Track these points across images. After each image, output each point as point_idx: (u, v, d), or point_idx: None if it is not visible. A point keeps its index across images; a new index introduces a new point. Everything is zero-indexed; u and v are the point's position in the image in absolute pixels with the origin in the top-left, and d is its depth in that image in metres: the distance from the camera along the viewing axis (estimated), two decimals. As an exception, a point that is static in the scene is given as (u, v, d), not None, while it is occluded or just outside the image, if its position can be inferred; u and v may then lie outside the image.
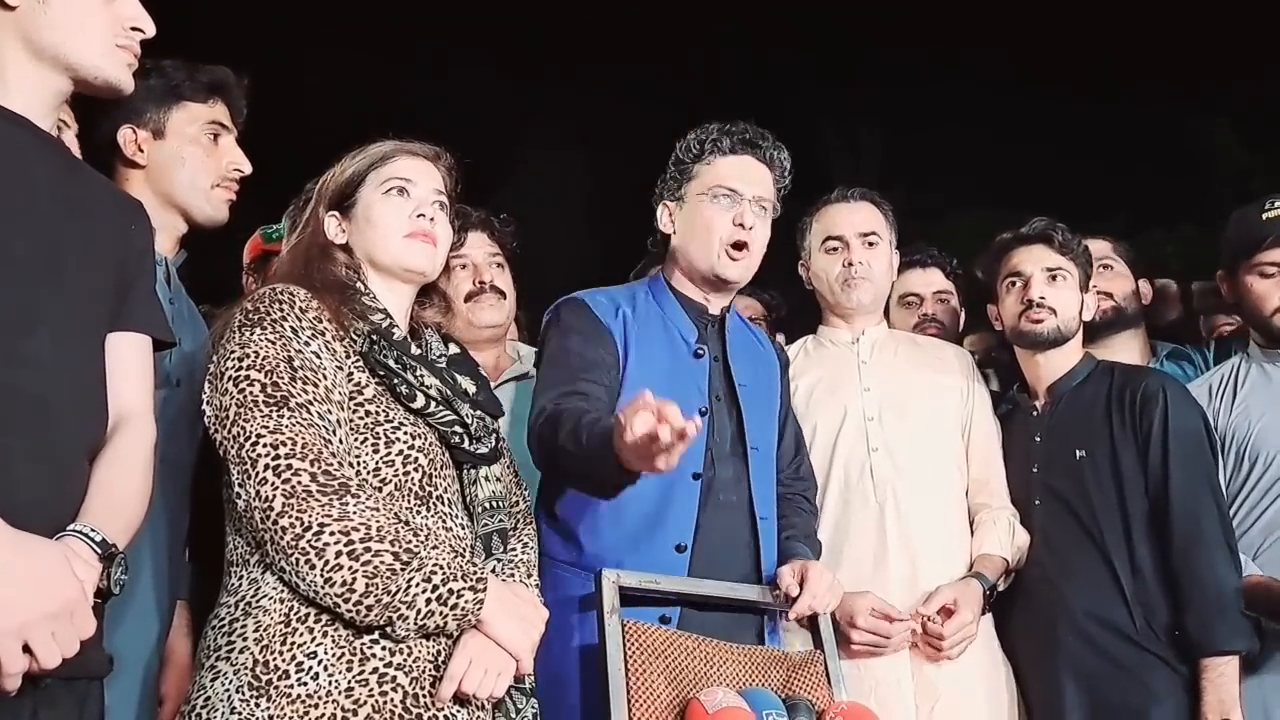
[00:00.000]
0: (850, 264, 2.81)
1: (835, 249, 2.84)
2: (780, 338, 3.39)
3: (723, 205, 2.43)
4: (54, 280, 1.67)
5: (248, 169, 2.42)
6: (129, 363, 1.82)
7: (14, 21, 1.72)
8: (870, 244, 2.84)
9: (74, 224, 1.73)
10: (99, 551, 1.59)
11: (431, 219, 2.09)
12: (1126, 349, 3.18)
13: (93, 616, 1.54)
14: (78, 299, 1.72)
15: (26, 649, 1.45)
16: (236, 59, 2.49)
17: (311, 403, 1.82)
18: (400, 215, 2.07)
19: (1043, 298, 2.77)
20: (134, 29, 1.81)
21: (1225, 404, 2.84)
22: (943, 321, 3.42)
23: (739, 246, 2.42)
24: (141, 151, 2.32)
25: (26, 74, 1.73)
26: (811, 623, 2.40)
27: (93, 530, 1.60)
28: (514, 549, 2.08)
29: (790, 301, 3.73)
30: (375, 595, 1.73)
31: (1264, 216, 2.86)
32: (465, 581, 1.80)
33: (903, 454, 2.70)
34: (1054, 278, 2.80)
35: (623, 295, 2.51)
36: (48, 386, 1.63)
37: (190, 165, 2.34)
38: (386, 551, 1.74)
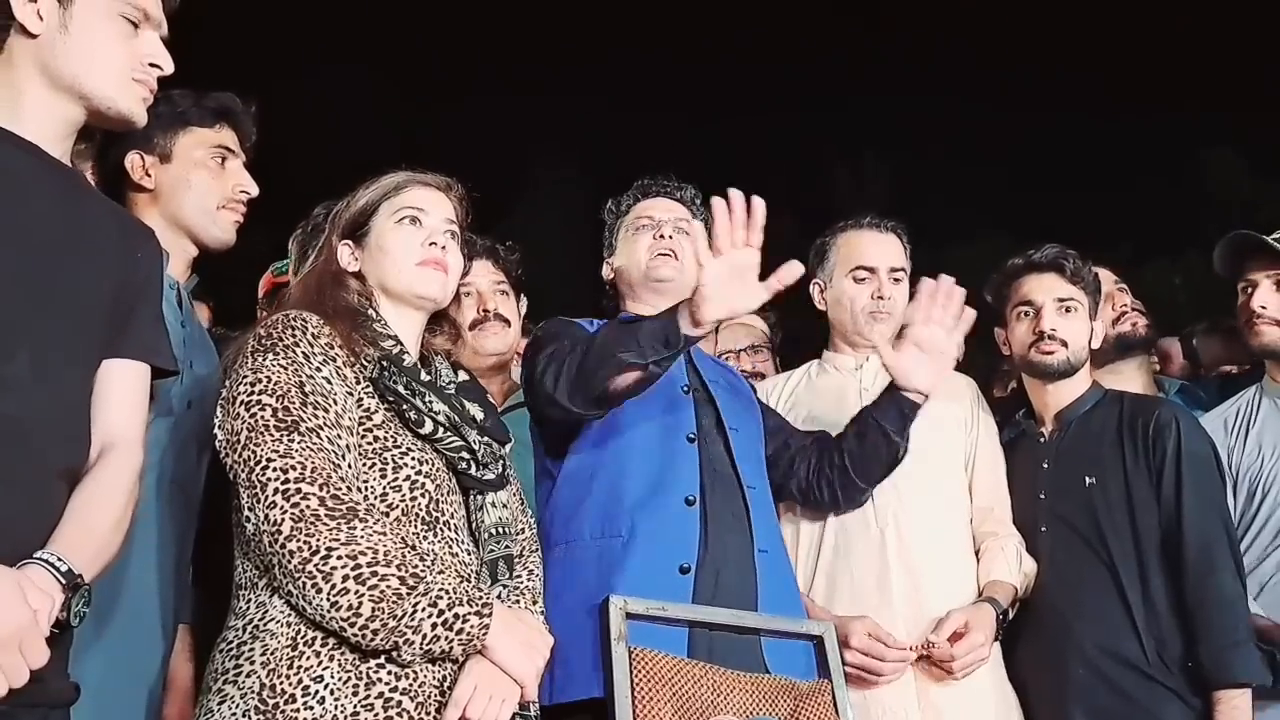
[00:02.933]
0: (880, 297, 2.82)
1: (864, 279, 2.84)
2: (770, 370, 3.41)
3: (645, 230, 2.67)
4: (39, 305, 1.68)
5: (254, 191, 2.45)
6: (120, 389, 1.81)
7: (34, 50, 1.75)
8: (896, 280, 2.86)
9: (68, 250, 1.74)
10: (62, 581, 1.55)
11: (443, 247, 2.12)
12: (1134, 378, 3.18)
13: (45, 646, 1.49)
14: (64, 324, 1.72)
15: None
16: (247, 87, 2.53)
17: (322, 428, 1.84)
18: (412, 244, 2.10)
19: (1054, 329, 2.75)
20: (152, 65, 1.83)
21: (1239, 439, 2.84)
22: None
23: (666, 253, 2.62)
24: (149, 176, 2.35)
25: (41, 102, 1.76)
26: (818, 651, 2.39)
27: (59, 559, 1.56)
28: (520, 576, 2.09)
29: (787, 329, 3.73)
30: (381, 620, 1.74)
31: None
32: (471, 606, 1.81)
33: (904, 481, 2.68)
34: (1066, 309, 2.78)
35: (598, 322, 2.62)
36: (24, 410, 1.62)
37: (197, 188, 2.37)
38: (393, 576, 1.75)
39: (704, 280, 2.11)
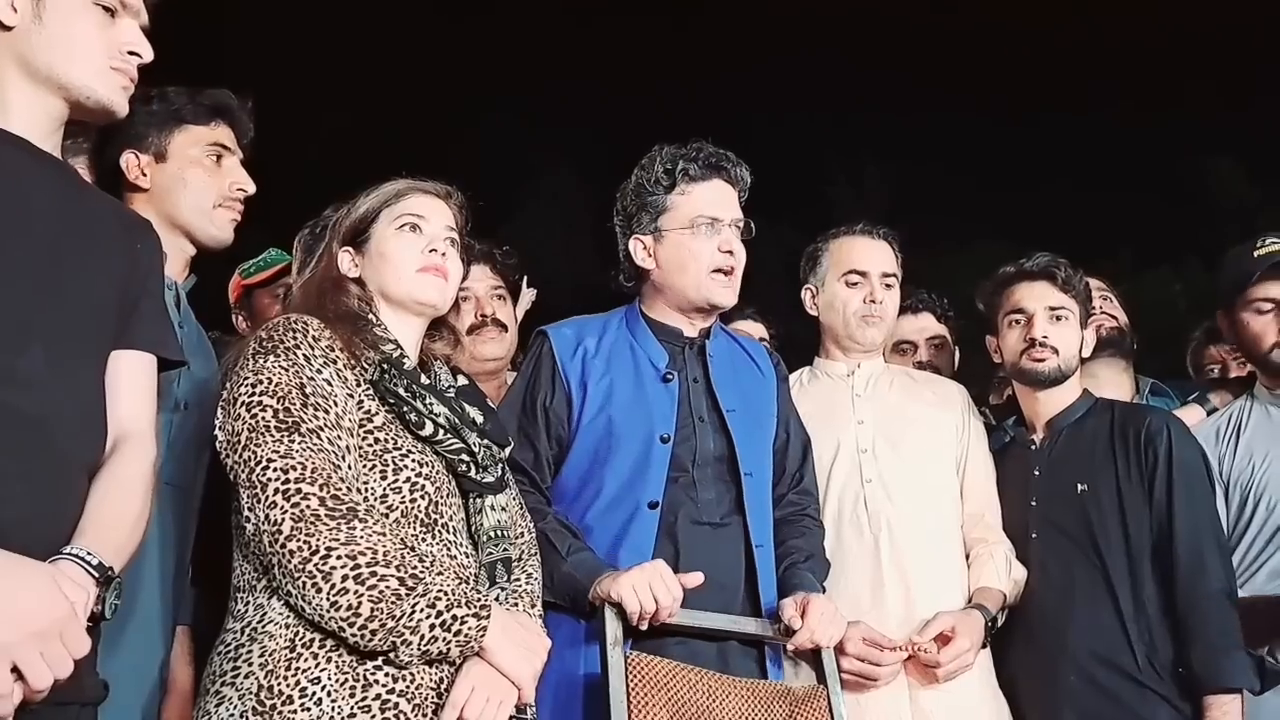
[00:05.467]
0: (872, 301, 2.82)
1: (857, 283, 2.85)
2: None
3: (705, 234, 2.46)
4: (49, 299, 1.68)
5: (251, 188, 2.43)
6: (129, 381, 1.82)
7: (11, 42, 1.74)
8: (888, 285, 2.87)
9: (72, 243, 1.74)
10: (95, 575, 1.57)
11: (443, 254, 2.13)
12: (1115, 382, 3.19)
13: (86, 636, 1.51)
14: (75, 317, 1.72)
15: (17, 673, 1.43)
16: (251, 88, 2.51)
17: (322, 429, 1.85)
18: (413, 250, 2.11)
19: (1045, 337, 2.77)
20: (131, 53, 1.81)
21: (1229, 447, 2.85)
22: (938, 366, 3.43)
23: (728, 271, 2.47)
24: (145, 175, 2.34)
25: (24, 95, 1.75)
26: (815, 657, 2.38)
27: (89, 553, 1.58)
28: (518, 579, 2.09)
29: (784, 332, 3.72)
30: (380, 620, 1.75)
31: (1256, 254, 2.88)
32: (469, 608, 1.81)
33: (896, 486, 2.70)
34: (1057, 317, 2.79)
35: (592, 326, 2.54)
36: (41, 405, 1.63)
37: (192, 186, 2.36)
38: (392, 576, 1.76)
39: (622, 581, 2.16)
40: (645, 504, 2.33)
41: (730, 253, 2.47)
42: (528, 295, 3.32)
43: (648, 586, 2.14)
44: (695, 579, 2.20)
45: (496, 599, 1.98)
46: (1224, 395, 3.07)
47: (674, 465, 2.37)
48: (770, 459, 2.56)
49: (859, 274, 2.85)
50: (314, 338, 1.95)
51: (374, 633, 1.75)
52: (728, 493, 2.41)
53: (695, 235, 2.46)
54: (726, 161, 2.53)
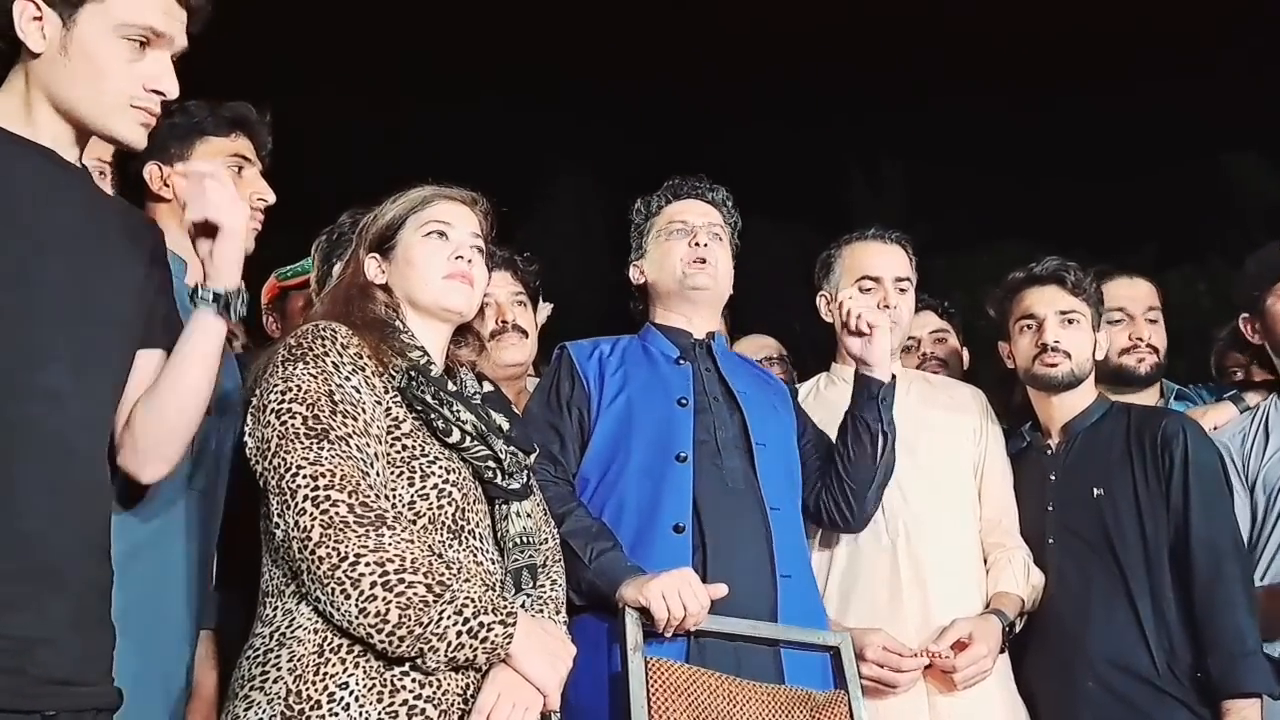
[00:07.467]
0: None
1: (870, 289, 2.85)
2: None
3: (678, 235, 2.66)
4: (73, 314, 1.72)
5: (271, 198, 2.47)
6: (146, 380, 1.88)
7: (38, 68, 1.77)
8: (902, 289, 2.87)
9: (95, 257, 1.78)
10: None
11: (469, 261, 2.14)
12: (1144, 393, 3.17)
13: None
14: (97, 332, 1.76)
15: None
16: (265, 97, 2.54)
17: (351, 436, 1.87)
18: (439, 257, 2.12)
19: (1057, 341, 2.76)
20: (154, 91, 1.82)
21: (1257, 449, 2.83)
22: (944, 360, 3.44)
23: (700, 260, 2.62)
24: (167, 186, 2.38)
25: (49, 117, 1.80)
26: (835, 662, 2.39)
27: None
28: (543, 585, 2.11)
29: (800, 336, 3.72)
30: (408, 627, 1.76)
31: None
32: (495, 615, 1.83)
33: (914, 491, 2.70)
34: (1068, 321, 2.79)
35: (606, 340, 2.68)
36: (64, 419, 1.67)
37: None
38: (420, 583, 1.78)
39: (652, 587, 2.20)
40: (675, 457, 2.42)
41: (699, 244, 2.63)
42: (545, 309, 3.34)
43: (677, 594, 2.17)
44: (720, 590, 2.24)
45: (522, 606, 2.00)
46: (1257, 397, 3.05)
47: (699, 428, 2.47)
48: (788, 437, 2.63)
49: (872, 279, 2.85)
50: (342, 345, 1.97)
51: (401, 639, 1.77)
52: (748, 463, 2.48)
53: (670, 238, 2.67)
54: (699, 183, 2.75)
